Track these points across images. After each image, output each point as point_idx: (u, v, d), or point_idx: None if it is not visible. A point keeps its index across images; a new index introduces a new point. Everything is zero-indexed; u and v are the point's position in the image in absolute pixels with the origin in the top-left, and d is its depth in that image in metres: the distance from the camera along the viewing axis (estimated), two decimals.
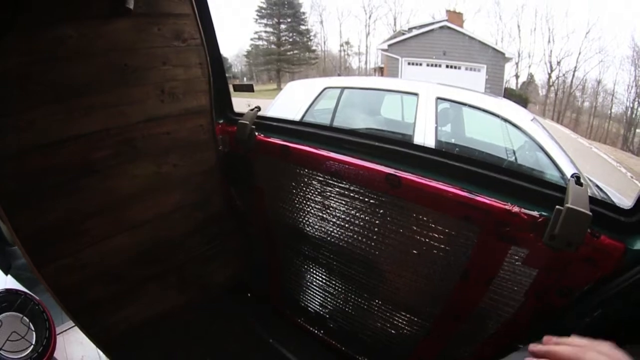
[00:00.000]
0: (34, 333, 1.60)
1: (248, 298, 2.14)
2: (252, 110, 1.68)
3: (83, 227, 1.38)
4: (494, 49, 21.12)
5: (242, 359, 1.79)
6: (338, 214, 1.49)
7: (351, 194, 1.39)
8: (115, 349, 1.62)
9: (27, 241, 1.24)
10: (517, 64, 26.67)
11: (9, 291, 1.63)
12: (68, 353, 1.96)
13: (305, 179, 1.53)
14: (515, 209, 1.02)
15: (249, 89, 2.15)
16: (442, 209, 1.17)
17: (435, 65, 21.20)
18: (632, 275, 0.87)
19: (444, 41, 21.19)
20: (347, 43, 31.99)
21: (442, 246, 1.22)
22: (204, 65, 1.61)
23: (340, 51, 32.39)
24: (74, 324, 1.55)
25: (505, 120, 3.43)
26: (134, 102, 1.44)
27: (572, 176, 1.01)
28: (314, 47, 32.22)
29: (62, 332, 2.01)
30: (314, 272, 1.76)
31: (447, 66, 21.08)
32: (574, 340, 0.67)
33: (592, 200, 0.95)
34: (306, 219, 1.63)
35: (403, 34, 23.34)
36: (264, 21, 30.97)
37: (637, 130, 22.13)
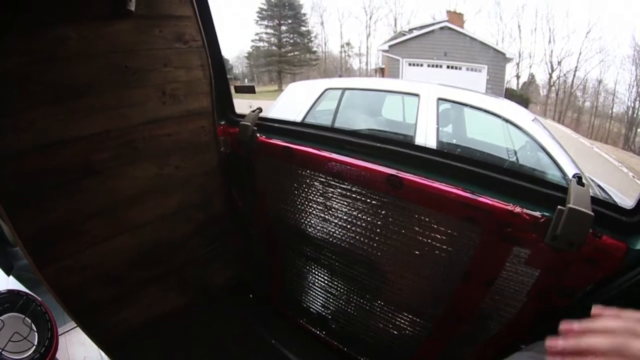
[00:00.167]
0: (36, 334, 1.61)
1: (249, 299, 2.14)
2: (253, 111, 1.68)
3: (84, 228, 1.38)
4: (494, 49, 21.13)
5: None
6: (340, 215, 1.49)
7: (353, 195, 1.39)
8: (117, 349, 1.62)
9: (29, 242, 1.24)
10: (517, 64, 26.71)
11: (11, 292, 1.63)
12: (70, 354, 1.97)
13: (307, 180, 1.52)
14: (517, 209, 1.02)
15: (250, 90, 2.15)
16: (444, 209, 1.17)
17: (436, 66, 21.21)
18: (634, 275, 0.87)
19: (445, 42, 21.21)
20: (348, 44, 32.11)
21: (444, 247, 1.22)
22: (205, 66, 1.61)
23: (341, 52, 32.51)
24: (75, 325, 1.55)
25: (507, 120, 3.42)
26: (135, 103, 1.44)
27: (573, 176, 1.00)
28: (314, 49, 32.36)
29: (64, 333, 2.02)
30: (316, 273, 1.76)
31: (447, 67, 21.09)
32: (607, 322, 0.52)
33: (594, 200, 0.94)
34: (308, 220, 1.63)
35: (404, 34, 23.35)
36: (265, 22, 31.04)
37: (639, 130, 22.10)
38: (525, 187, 1.06)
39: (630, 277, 0.88)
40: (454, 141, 4.02)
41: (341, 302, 1.71)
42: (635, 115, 22.76)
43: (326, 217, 1.54)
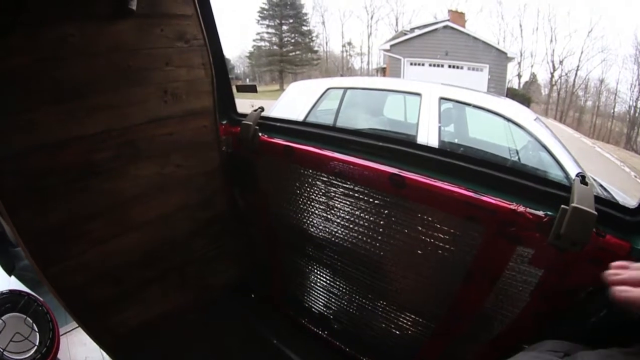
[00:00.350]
0: (37, 334, 1.61)
1: (251, 299, 2.14)
2: (255, 110, 1.68)
3: (85, 228, 1.38)
4: (496, 48, 21.09)
5: None
6: (342, 215, 1.48)
7: (355, 194, 1.39)
8: (119, 349, 1.62)
9: (30, 242, 1.23)
10: (519, 63, 26.69)
11: (12, 292, 1.64)
12: (72, 354, 1.97)
13: (309, 180, 1.52)
14: (521, 208, 1.01)
15: (252, 89, 2.15)
16: (446, 208, 1.17)
17: (438, 66, 21.19)
18: None
19: (446, 41, 21.18)
20: (350, 44, 32.10)
21: (447, 246, 1.21)
22: (207, 66, 1.61)
23: (342, 52, 32.50)
24: (77, 325, 1.55)
25: (509, 120, 3.42)
26: (136, 103, 1.43)
27: (577, 175, 1.00)
28: (316, 48, 32.35)
29: (65, 333, 2.02)
30: (318, 272, 1.76)
31: (449, 66, 21.06)
32: None
33: (598, 199, 0.94)
34: (310, 219, 1.62)
35: (405, 34, 23.32)
36: (266, 22, 31.04)
37: None
38: (529, 186, 1.05)
39: None
40: (456, 141, 4.02)
41: (343, 301, 1.70)
42: (637, 114, 22.72)
43: (328, 216, 1.53)
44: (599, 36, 24.34)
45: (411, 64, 21.72)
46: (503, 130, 3.49)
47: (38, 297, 1.68)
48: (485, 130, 4.02)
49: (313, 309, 1.86)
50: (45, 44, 1.16)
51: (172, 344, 1.74)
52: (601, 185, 3.32)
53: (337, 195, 1.45)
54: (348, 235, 1.50)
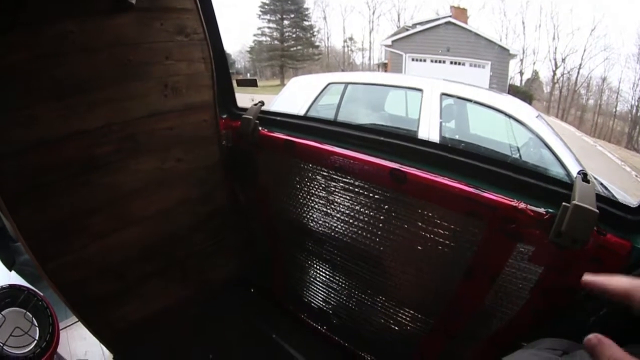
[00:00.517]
0: (37, 328, 1.61)
1: (250, 293, 2.14)
2: (255, 104, 1.68)
3: (85, 223, 1.38)
4: (498, 45, 21.00)
5: (245, 354, 1.79)
6: (342, 209, 1.48)
7: (356, 189, 1.39)
8: (118, 344, 1.63)
9: (30, 237, 1.24)
10: (521, 60, 26.56)
11: (12, 287, 1.63)
12: (71, 348, 1.97)
13: (309, 174, 1.52)
14: (522, 205, 1.01)
15: (252, 83, 2.15)
16: (447, 204, 1.16)
17: (439, 62, 21.09)
18: (639, 274, 0.86)
19: (448, 37, 21.08)
20: (351, 39, 31.91)
21: (447, 242, 1.21)
22: (207, 60, 1.60)
23: (343, 47, 32.32)
24: (77, 320, 1.56)
25: (510, 116, 3.41)
26: (136, 97, 1.43)
27: (579, 173, 1.00)
28: (317, 43, 32.17)
29: (65, 328, 2.02)
30: (318, 267, 1.76)
31: (451, 62, 20.97)
32: None
33: (599, 197, 0.93)
34: (310, 214, 1.62)
35: (407, 29, 23.20)
36: (267, 17, 30.91)
37: None
38: (530, 183, 1.05)
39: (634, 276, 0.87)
40: (457, 137, 4.01)
41: (342, 296, 1.70)
42: (639, 114, 22.65)
43: (328, 211, 1.53)
44: (602, 34, 24.22)
45: (413, 59, 21.62)
46: (504, 127, 3.49)
47: (38, 291, 1.68)
48: (487, 127, 4.02)
49: (313, 304, 1.86)
50: (46, 40, 1.16)
51: (171, 338, 1.75)
52: (602, 184, 3.32)
53: (337, 189, 1.45)
54: (348, 230, 1.50)
